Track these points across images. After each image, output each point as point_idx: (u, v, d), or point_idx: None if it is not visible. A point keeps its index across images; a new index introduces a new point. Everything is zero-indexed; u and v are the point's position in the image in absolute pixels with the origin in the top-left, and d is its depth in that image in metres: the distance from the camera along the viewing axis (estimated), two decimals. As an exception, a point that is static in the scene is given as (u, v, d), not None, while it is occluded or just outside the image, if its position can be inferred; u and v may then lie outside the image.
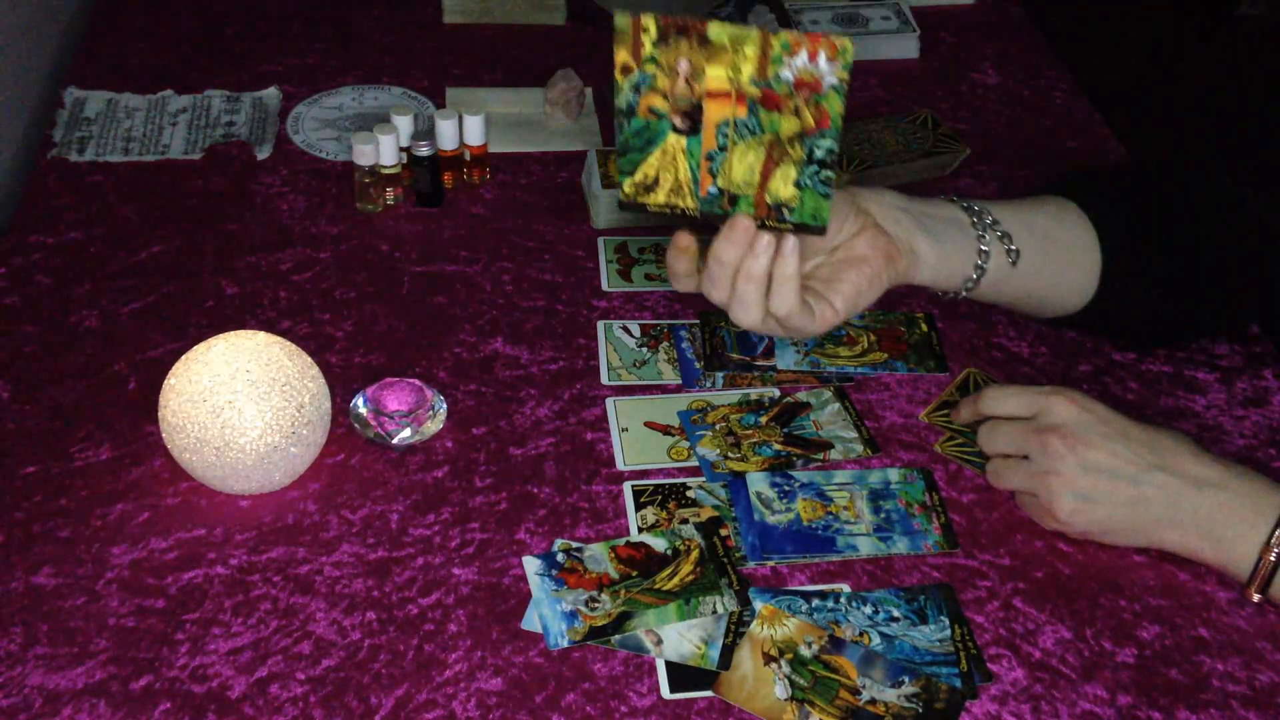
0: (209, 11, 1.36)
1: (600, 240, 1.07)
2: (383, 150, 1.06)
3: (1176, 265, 0.90)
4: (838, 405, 0.92)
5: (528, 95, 1.23)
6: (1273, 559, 0.76)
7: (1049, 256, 0.88)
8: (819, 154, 0.71)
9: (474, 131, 1.10)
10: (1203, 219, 0.91)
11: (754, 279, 0.75)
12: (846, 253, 0.80)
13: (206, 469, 0.79)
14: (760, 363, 0.95)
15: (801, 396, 0.92)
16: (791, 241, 0.75)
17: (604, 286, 1.02)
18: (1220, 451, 0.84)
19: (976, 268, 0.84)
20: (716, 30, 0.68)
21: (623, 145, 0.74)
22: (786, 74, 0.69)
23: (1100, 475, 0.78)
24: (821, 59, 0.68)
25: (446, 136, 1.09)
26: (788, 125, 0.70)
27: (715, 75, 0.70)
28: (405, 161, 1.08)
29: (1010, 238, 0.85)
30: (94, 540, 0.80)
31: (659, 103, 0.72)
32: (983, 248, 0.84)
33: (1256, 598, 0.78)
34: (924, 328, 0.99)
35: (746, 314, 0.76)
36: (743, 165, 0.73)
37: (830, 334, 0.97)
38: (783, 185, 0.73)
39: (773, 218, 0.74)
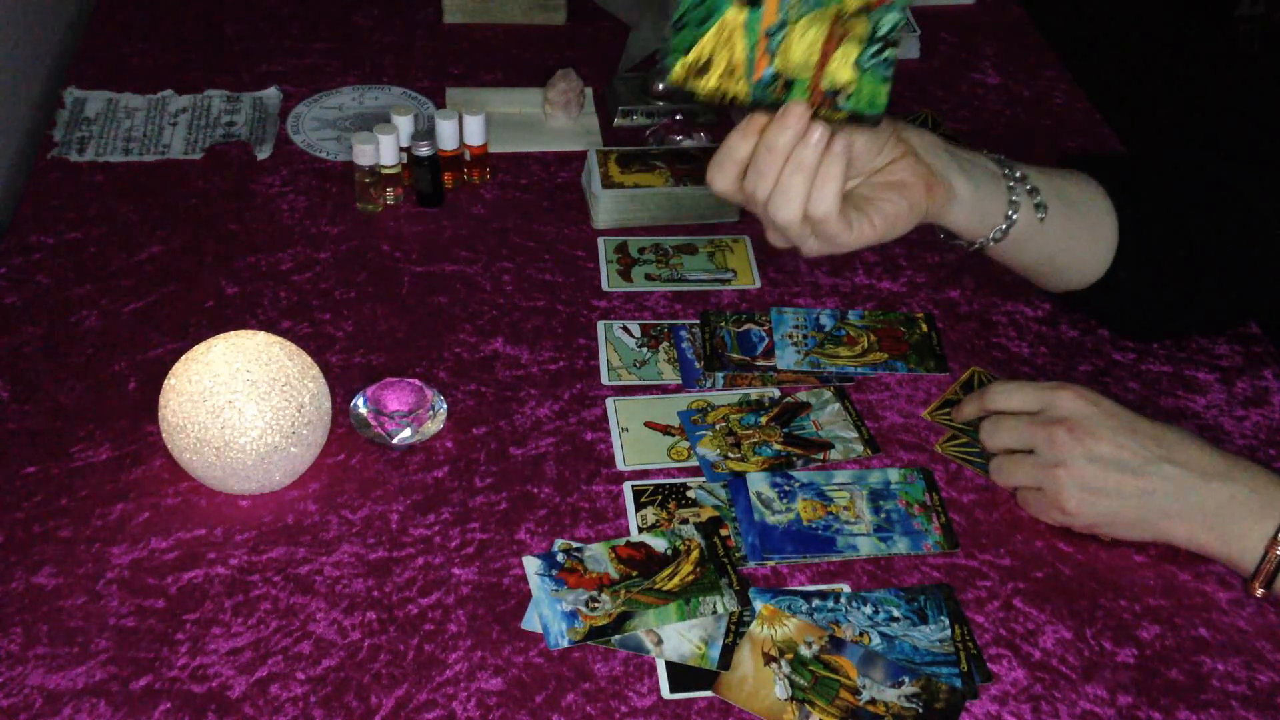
0: (209, 11, 1.36)
1: (600, 240, 1.07)
2: (383, 150, 1.06)
3: (1186, 248, 0.91)
4: (838, 405, 0.92)
5: (528, 95, 1.23)
6: (1278, 553, 0.76)
7: (1072, 221, 0.89)
8: (884, 29, 0.70)
9: (474, 131, 1.10)
10: (1208, 209, 0.92)
11: (803, 169, 0.74)
12: (887, 176, 0.81)
13: (206, 469, 0.79)
14: (760, 363, 0.95)
15: (801, 396, 0.92)
16: (842, 140, 0.74)
17: (604, 286, 1.02)
18: (1220, 451, 0.84)
19: (1006, 218, 0.85)
20: None
21: (679, 19, 0.72)
22: None
23: (1107, 467, 0.78)
24: None
25: (446, 136, 1.09)
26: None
27: None
28: (405, 161, 1.08)
29: (1039, 193, 0.86)
30: (94, 540, 0.80)
31: None
32: (1014, 199, 0.86)
33: (1260, 592, 0.78)
34: (924, 328, 0.99)
35: (788, 207, 0.76)
36: (803, 43, 0.71)
37: (830, 334, 0.97)
38: (842, 67, 0.71)
39: (827, 105, 0.73)
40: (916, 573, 0.80)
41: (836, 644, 0.75)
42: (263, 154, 1.15)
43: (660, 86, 0.75)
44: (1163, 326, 0.97)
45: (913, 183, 0.80)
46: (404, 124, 1.08)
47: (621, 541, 0.81)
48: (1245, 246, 0.92)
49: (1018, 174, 0.86)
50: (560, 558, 0.79)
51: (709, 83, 0.73)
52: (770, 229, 0.78)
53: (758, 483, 0.85)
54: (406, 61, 1.30)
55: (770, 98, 0.73)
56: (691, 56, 0.72)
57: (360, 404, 0.88)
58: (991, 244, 0.87)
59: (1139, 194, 0.91)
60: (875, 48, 0.71)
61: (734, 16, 0.71)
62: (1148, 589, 0.80)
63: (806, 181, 0.75)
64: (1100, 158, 0.97)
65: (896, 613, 0.77)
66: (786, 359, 0.95)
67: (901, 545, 0.82)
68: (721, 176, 0.78)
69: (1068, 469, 0.79)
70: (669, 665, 0.74)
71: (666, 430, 0.89)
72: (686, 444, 0.88)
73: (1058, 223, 0.88)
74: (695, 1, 0.71)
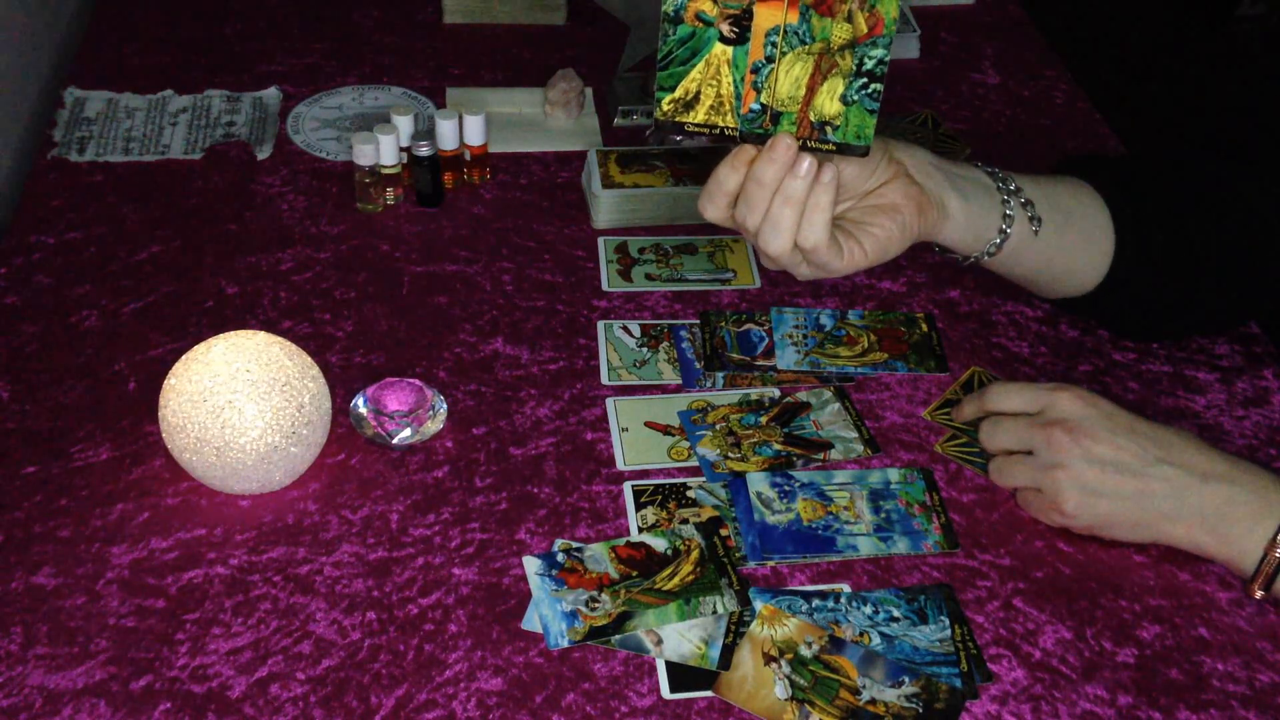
0: (209, 11, 1.36)
1: (600, 240, 1.07)
2: (383, 150, 1.06)
3: (1186, 248, 0.91)
4: (838, 405, 0.92)
5: (528, 95, 1.23)
6: (1278, 555, 0.76)
7: (1067, 230, 0.89)
8: (869, 64, 0.71)
9: (474, 131, 1.10)
10: (1208, 209, 0.92)
11: (791, 201, 0.75)
12: (878, 199, 0.81)
13: (206, 469, 0.79)
14: (760, 363, 0.95)
15: (801, 396, 0.92)
16: (830, 171, 0.75)
17: (604, 286, 1.02)
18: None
19: (1000, 232, 0.85)
20: None
21: (665, 57, 0.73)
22: None
23: (1106, 468, 0.78)
24: None
25: (446, 136, 1.09)
26: (839, 32, 0.70)
27: None
28: (405, 161, 1.08)
29: (1033, 205, 0.86)
30: (94, 540, 0.80)
31: (708, 8, 0.71)
32: (1007, 212, 0.85)
33: (1259, 594, 0.78)
34: (924, 328, 0.99)
35: (777, 239, 0.76)
36: (789, 78, 0.72)
37: (830, 334, 0.97)
38: (828, 101, 0.72)
39: (815, 137, 0.74)
40: (916, 573, 0.80)
41: (836, 644, 0.75)
42: (263, 154, 1.15)
43: (655, 119, 0.76)
44: (1163, 327, 0.97)
45: (904, 205, 0.80)
46: (404, 124, 1.08)
47: (621, 541, 0.81)
48: (1245, 246, 0.92)
49: (1011, 187, 0.86)
50: (560, 558, 0.79)
51: (696, 116, 0.74)
52: (762, 255, 0.79)
53: (758, 483, 0.85)
54: (406, 61, 1.30)
55: (758, 130, 0.74)
56: (678, 92, 0.73)
57: (360, 404, 0.88)
58: (986, 258, 0.87)
59: (1138, 195, 0.91)
60: (861, 81, 0.72)
61: (719, 53, 0.72)
62: (1148, 589, 0.80)
63: (795, 212, 0.75)
64: (1099, 159, 0.97)
65: (896, 613, 0.77)
66: (786, 359, 0.95)
67: (901, 545, 0.82)
68: (712, 207, 0.79)
69: (1066, 470, 0.79)
70: (669, 665, 0.74)
71: (666, 430, 0.89)
72: (686, 444, 0.88)
73: (1053, 234, 0.88)
74: (680, 39, 0.72)
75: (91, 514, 0.81)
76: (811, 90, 0.72)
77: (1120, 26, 3.09)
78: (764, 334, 0.97)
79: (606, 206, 1.07)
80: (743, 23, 0.71)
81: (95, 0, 1.37)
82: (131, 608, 0.76)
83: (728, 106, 0.74)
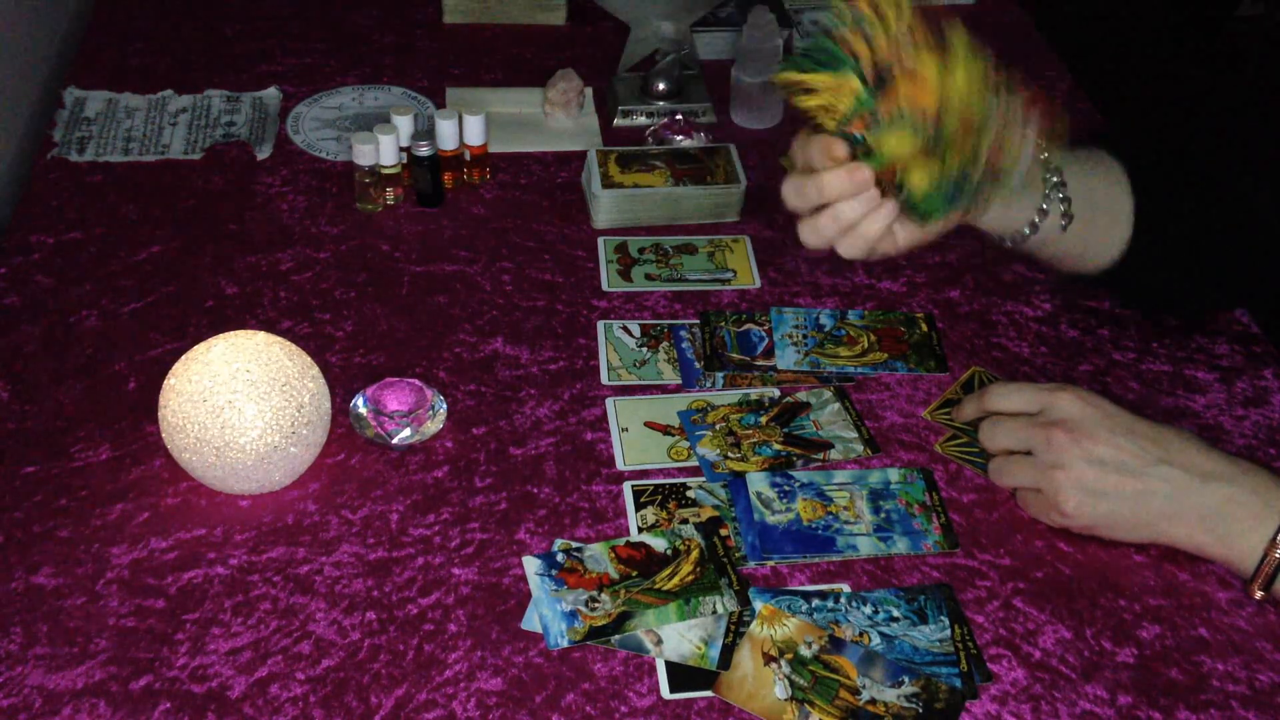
0: (209, 11, 1.36)
1: (600, 240, 1.07)
2: (383, 150, 1.06)
3: (1197, 238, 0.91)
4: (838, 405, 0.92)
5: (528, 95, 1.23)
6: (1278, 556, 0.76)
7: (1094, 223, 0.89)
8: (965, 182, 0.74)
9: (474, 131, 1.10)
10: (1209, 204, 0.91)
11: (841, 221, 0.77)
12: None
13: (206, 469, 0.79)
14: (760, 363, 0.95)
15: (801, 396, 0.92)
16: (890, 205, 0.76)
17: (604, 286, 1.02)
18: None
19: (1031, 225, 0.86)
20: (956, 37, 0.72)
21: (804, 48, 0.75)
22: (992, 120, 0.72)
23: (1106, 469, 0.78)
24: (1028, 147, 0.74)
25: (446, 136, 1.09)
26: (958, 152, 0.73)
27: (927, 66, 0.72)
28: (405, 161, 1.08)
29: (1070, 202, 0.86)
30: (94, 540, 0.80)
31: (862, 48, 0.72)
32: (1043, 207, 0.86)
33: (1259, 594, 0.78)
34: (924, 328, 0.99)
35: (815, 239, 0.79)
36: (900, 143, 0.73)
37: (830, 334, 0.97)
38: (919, 177, 0.74)
39: (891, 183, 0.76)
40: (916, 573, 0.80)
41: (836, 644, 0.75)
42: (263, 154, 1.15)
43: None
44: (1171, 307, 0.98)
45: None
46: (404, 124, 1.08)
47: (621, 541, 0.81)
48: (1245, 246, 0.91)
49: (1055, 180, 0.85)
50: (560, 558, 0.79)
51: (806, 103, 0.76)
52: (804, 225, 0.80)
53: (758, 483, 0.85)
54: (406, 61, 1.30)
55: (851, 140, 0.76)
56: (804, 77, 0.75)
57: (360, 404, 0.88)
58: (1007, 245, 0.87)
59: (1156, 178, 0.91)
60: (953, 184, 0.74)
61: (852, 81, 0.73)
62: (1148, 589, 0.80)
63: (842, 230, 0.78)
64: (1118, 140, 0.96)
65: (896, 613, 0.77)
66: (786, 359, 0.95)
67: (901, 545, 0.82)
68: (791, 183, 0.80)
69: (1066, 471, 0.79)
70: (669, 665, 0.74)
71: (666, 430, 0.89)
72: (686, 444, 0.88)
73: (1077, 230, 0.87)
74: (823, 46, 0.74)
75: (91, 514, 0.81)
76: (911, 158, 0.74)
77: (1120, 26, 3.09)
78: (764, 334, 0.97)
79: (606, 206, 1.07)
80: (885, 76, 0.73)
81: (95, 0, 1.37)
82: (131, 608, 0.76)
83: (837, 116, 0.75)
